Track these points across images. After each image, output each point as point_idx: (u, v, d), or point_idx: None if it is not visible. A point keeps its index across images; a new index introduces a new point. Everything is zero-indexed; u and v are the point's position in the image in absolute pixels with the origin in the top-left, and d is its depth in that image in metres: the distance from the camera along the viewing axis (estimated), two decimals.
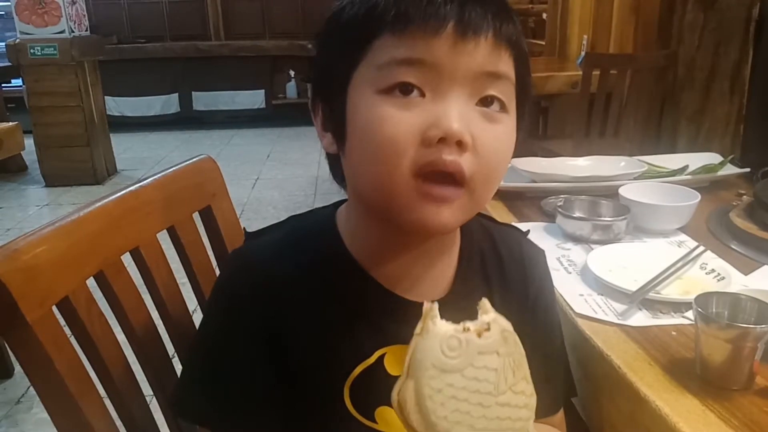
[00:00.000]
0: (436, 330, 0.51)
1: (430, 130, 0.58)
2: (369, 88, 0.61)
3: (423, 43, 0.59)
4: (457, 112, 0.59)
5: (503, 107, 0.63)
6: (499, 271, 0.76)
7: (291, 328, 0.68)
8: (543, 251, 0.82)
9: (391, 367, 0.67)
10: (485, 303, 0.53)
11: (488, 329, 0.51)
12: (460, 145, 0.59)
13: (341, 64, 0.64)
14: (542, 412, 0.75)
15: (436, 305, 0.52)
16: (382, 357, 0.68)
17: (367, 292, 0.68)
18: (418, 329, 0.51)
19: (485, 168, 0.61)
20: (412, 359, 0.51)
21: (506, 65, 0.63)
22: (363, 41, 0.62)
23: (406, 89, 0.60)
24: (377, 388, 0.65)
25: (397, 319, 0.66)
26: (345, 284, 0.68)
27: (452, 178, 0.60)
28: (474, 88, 0.61)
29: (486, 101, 0.62)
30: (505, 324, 0.52)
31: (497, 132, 0.62)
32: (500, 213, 1.32)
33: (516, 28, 0.64)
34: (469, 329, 0.51)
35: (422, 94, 0.60)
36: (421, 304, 0.66)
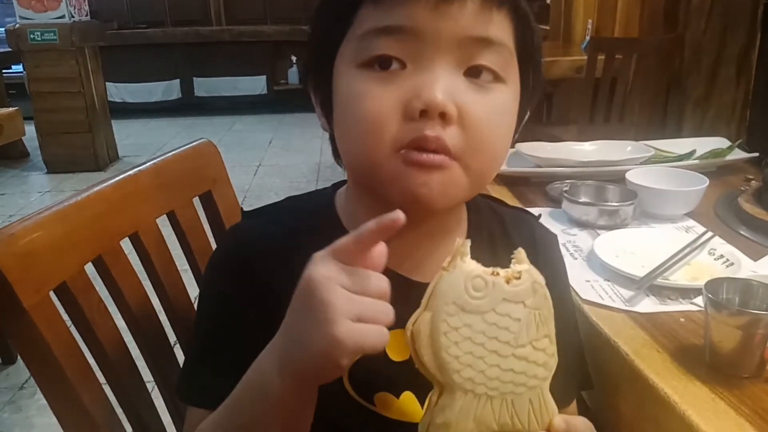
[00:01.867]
0: (464, 267, 0.50)
1: (411, 102, 0.56)
2: (351, 62, 0.59)
3: (402, 9, 0.56)
4: (440, 82, 0.56)
5: (497, 77, 0.59)
6: (509, 255, 0.73)
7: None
8: (555, 236, 0.80)
9: (392, 352, 0.65)
10: (521, 252, 0.52)
11: (519, 277, 0.50)
12: (444, 117, 0.56)
13: (328, 41, 0.62)
14: (557, 402, 0.74)
15: (468, 242, 0.51)
16: None
17: None
18: (445, 263, 0.51)
19: (476, 141, 0.58)
20: (434, 292, 0.50)
21: (499, 29, 0.59)
22: (346, 13, 0.60)
23: (385, 63, 0.57)
24: (377, 373, 0.64)
25: (401, 300, 0.64)
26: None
27: (438, 153, 0.57)
28: (460, 56, 0.57)
29: (475, 71, 0.58)
30: (538, 276, 0.51)
31: (489, 102, 0.59)
32: (504, 198, 1.29)
33: None
34: (498, 274, 0.50)
35: (403, 66, 0.57)
36: (424, 285, 0.65)
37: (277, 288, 0.66)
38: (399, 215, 0.51)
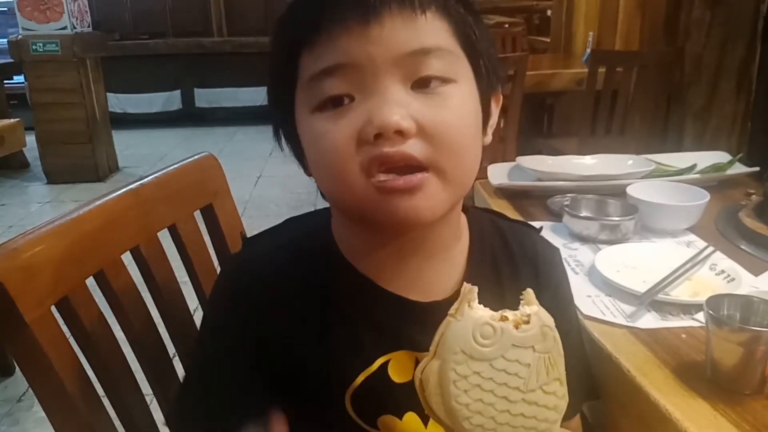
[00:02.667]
0: (472, 314, 0.49)
1: (364, 129, 0.56)
2: (306, 109, 0.60)
3: (333, 48, 0.57)
4: (389, 104, 0.56)
5: (445, 80, 0.59)
6: (511, 271, 0.73)
7: (290, 337, 0.66)
8: (558, 250, 0.80)
9: (395, 375, 0.65)
10: (529, 293, 0.52)
11: (527, 322, 0.50)
12: (402, 133, 0.56)
13: (282, 95, 0.63)
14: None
15: (475, 288, 0.50)
16: (385, 364, 0.65)
17: (366, 294, 0.66)
18: (452, 310, 0.50)
19: (444, 146, 0.58)
20: (441, 340, 0.50)
21: (432, 34, 0.58)
22: (289, 65, 0.61)
23: (336, 101, 0.58)
24: (380, 397, 0.64)
25: (401, 321, 0.65)
26: (343, 288, 0.66)
27: (409, 167, 0.57)
28: (403, 72, 0.57)
29: (422, 83, 0.58)
30: (547, 319, 0.51)
31: (445, 106, 0.58)
32: (505, 212, 1.30)
33: None
34: (507, 319, 0.50)
35: (352, 99, 0.58)
36: (425, 305, 0.65)
37: (279, 322, 0.66)
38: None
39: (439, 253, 0.68)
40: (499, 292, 0.70)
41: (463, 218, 0.72)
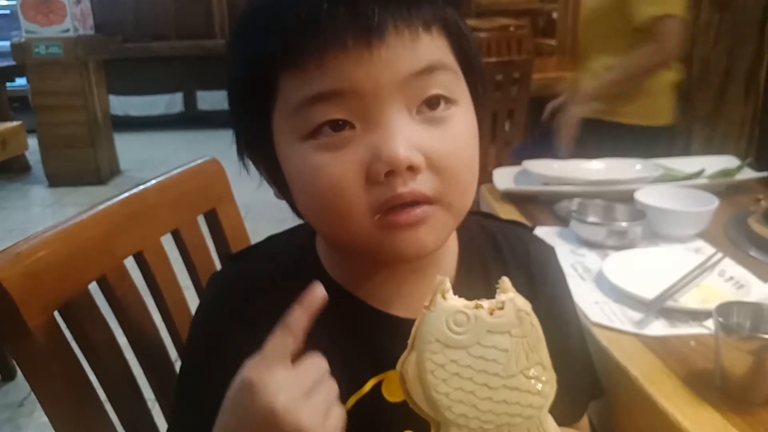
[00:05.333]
0: (444, 304, 0.49)
1: (373, 166, 0.52)
2: (292, 136, 0.55)
3: (328, 72, 0.51)
4: (397, 135, 0.52)
5: (449, 101, 0.56)
6: (502, 276, 0.71)
7: None
8: (552, 248, 0.77)
9: (389, 395, 0.63)
10: (505, 281, 0.51)
11: (502, 308, 0.50)
12: (412, 169, 0.52)
13: (255, 112, 0.57)
14: (564, 420, 0.71)
15: (446, 279, 0.50)
16: (378, 385, 0.63)
17: (354, 315, 0.64)
18: (426, 302, 0.50)
19: (450, 178, 0.55)
20: (417, 331, 0.50)
21: (436, 51, 0.55)
22: (267, 85, 0.55)
23: (335, 126, 0.53)
24: (375, 418, 0.61)
25: (392, 339, 0.61)
26: (329, 309, 0.62)
27: (415, 201, 0.54)
28: (408, 96, 0.53)
29: (429, 104, 0.54)
30: (523, 304, 0.50)
31: (451, 134, 0.55)
32: (512, 217, 1.29)
33: (432, 2, 0.55)
34: (482, 306, 0.50)
35: (352, 126, 0.53)
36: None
37: (261, 339, 0.64)
38: (320, 292, 0.52)
39: (429, 268, 0.65)
40: (491, 298, 0.68)
41: None
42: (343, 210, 0.54)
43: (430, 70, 0.54)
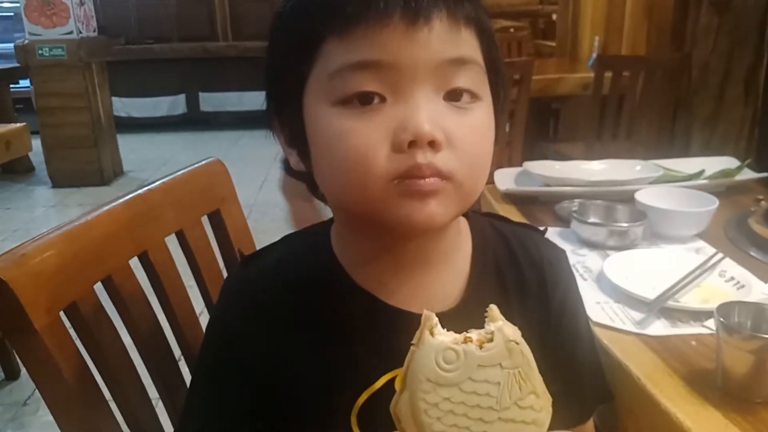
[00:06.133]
0: (432, 341, 0.49)
1: (399, 135, 0.55)
2: (325, 100, 0.58)
3: (372, 42, 0.54)
4: (424, 111, 0.55)
5: (474, 96, 0.59)
6: (516, 278, 0.71)
7: (289, 359, 0.65)
8: (564, 252, 0.78)
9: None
10: (493, 309, 0.51)
11: (491, 340, 0.49)
12: (433, 144, 0.55)
13: (291, 75, 0.60)
14: (571, 422, 0.72)
15: (433, 315, 0.50)
16: (392, 380, 0.64)
17: (367, 310, 0.65)
18: (414, 339, 0.50)
19: (466, 162, 0.58)
20: (408, 371, 0.50)
21: (470, 48, 0.58)
22: (309, 48, 0.58)
23: (365, 98, 0.56)
24: (388, 414, 0.62)
25: (404, 335, 0.63)
26: (343, 304, 0.65)
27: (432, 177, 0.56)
28: (438, 80, 0.56)
29: (454, 95, 0.58)
30: (511, 333, 0.50)
31: (472, 124, 0.58)
32: (513, 217, 1.28)
33: (474, 3, 0.59)
34: (471, 340, 0.49)
35: (383, 99, 0.56)
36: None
37: (276, 343, 0.65)
38: None
39: (440, 263, 0.67)
40: (505, 300, 0.69)
41: (465, 226, 0.71)
42: (363, 172, 0.56)
43: (463, 62, 0.57)
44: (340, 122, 0.57)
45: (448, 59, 0.56)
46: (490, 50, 0.61)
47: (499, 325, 0.50)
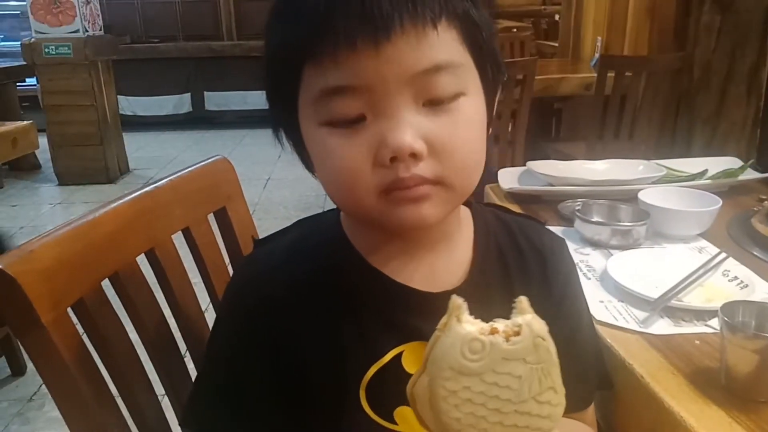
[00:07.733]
0: (459, 330, 0.49)
1: (381, 151, 0.56)
2: (313, 121, 0.60)
3: (342, 67, 0.55)
4: (402, 125, 0.56)
5: (457, 94, 0.58)
6: (518, 262, 0.73)
7: (301, 335, 0.66)
8: (564, 241, 0.79)
9: (409, 366, 0.65)
10: (522, 302, 0.50)
11: (519, 333, 0.49)
12: (415, 156, 0.56)
13: (285, 101, 0.63)
14: (572, 408, 0.72)
15: (461, 301, 0.50)
16: (399, 355, 0.66)
17: (375, 285, 0.66)
18: (440, 324, 0.50)
19: (453, 163, 0.58)
20: (430, 355, 0.50)
21: (446, 49, 0.57)
22: (291, 77, 0.60)
23: (347, 119, 0.57)
24: (395, 388, 0.63)
25: (412, 311, 0.65)
26: (352, 280, 0.67)
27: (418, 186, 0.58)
28: (415, 90, 0.56)
29: (435, 101, 0.58)
30: (539, 328, 0.49)
31: (456, 121, 0.58)
32: None
33: None
34: (497, 330, 0.49)
35: (364, 117, 0.57)
36: (436, 295, 0.65)
37: (290, 320, 0.66)
38: None
39: (441, 242, 0.69)
40: (507, 283, 0.71)
41: (466, 211, 0.73)
42: (353, 188, 0.59)
43: (436, 69, 0.57)
44: (327, 141, 0.59)
45: (420, 71, 0.56)
46: (471, 33, 0.60)
47: (528, 319, 0.49)
